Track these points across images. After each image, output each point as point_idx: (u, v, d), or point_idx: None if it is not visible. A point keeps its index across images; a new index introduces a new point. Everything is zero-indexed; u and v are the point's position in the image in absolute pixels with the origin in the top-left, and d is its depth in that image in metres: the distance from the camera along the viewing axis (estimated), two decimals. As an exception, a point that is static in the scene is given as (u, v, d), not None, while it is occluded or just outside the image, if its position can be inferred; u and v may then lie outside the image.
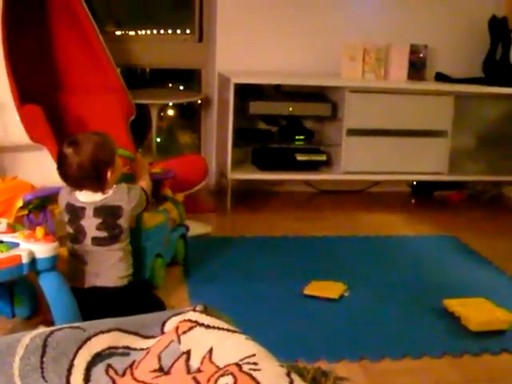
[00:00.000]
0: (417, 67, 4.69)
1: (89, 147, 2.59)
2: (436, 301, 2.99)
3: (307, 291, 3.07)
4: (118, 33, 4.75)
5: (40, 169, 3.29)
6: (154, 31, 4.85)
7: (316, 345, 2.61)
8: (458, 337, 2.75)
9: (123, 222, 2.66)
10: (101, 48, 3.92)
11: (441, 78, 4.74)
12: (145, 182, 2.85)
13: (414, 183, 5.00)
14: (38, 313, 2.67)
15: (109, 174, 2.62)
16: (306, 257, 3.58)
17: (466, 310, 2.84)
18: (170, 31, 4.87)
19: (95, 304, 2.54)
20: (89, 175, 2.59)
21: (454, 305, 2.91)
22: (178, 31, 4.87)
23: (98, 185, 2.63)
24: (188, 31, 4.83)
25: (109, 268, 2.65)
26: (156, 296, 2.85)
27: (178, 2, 5.02)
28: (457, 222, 4.37)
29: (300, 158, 4.45)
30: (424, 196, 4.96)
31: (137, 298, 2.70)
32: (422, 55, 4.68)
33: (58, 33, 3.92)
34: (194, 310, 1.70)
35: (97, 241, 2.64)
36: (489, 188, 5.06)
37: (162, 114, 4.94)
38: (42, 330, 1.65)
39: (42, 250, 2.34)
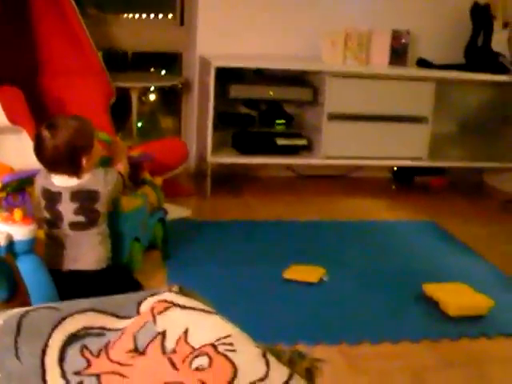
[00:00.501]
0: (398, 53, 4.68)
1: (66, 132, 2.56)
2: (415, 286, 2.99)
3: (287, 275, 3.07)
4: (100, 15, 4.71)
5: (19, 151, 3.25)
6: (136, 14, 4.82)
7: (294, 328, 2.62)
8: (436, 321, 2.76)
9: (100, 206, 2.64)
10: (81, 30, 3.88)
11: (422, 63, 4.73)
12: (122, 166, 2.83)
13: (395, 169, 5.01)
14: (17, 295, 2.65)
15: (84, 160, 2.59)
16: (285, 241, 3.58)
17: (445, 294, 2.86)
18: (151, 15, 4.84)
19: (74, 287, 2.52)
20: (63, 160, 2.56)
21: (433, 290, 2.91)
22: (160, 15, 4.84)
23: (73, 170, 2.59)
24: (170, 15, 4.81)
25: (87, 252, 2.63)
26: (135, 279, 2.84)
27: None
28: (437, 207, 4.39)
29: (280, 142, 4.42)
30: (404, 182, 4.97)
31: (115, 282, 2.68)
32: (403, 41, 4.67)
33: (38, 14, 3.87)
34: (170, 291, 1.69)
35: (74, 225, 2.62)
36: (469, 174, 5.08)
37: (143, 98, 4.92)
38: (17, 310, 1.64)
39: (20, 232, 2.33)
